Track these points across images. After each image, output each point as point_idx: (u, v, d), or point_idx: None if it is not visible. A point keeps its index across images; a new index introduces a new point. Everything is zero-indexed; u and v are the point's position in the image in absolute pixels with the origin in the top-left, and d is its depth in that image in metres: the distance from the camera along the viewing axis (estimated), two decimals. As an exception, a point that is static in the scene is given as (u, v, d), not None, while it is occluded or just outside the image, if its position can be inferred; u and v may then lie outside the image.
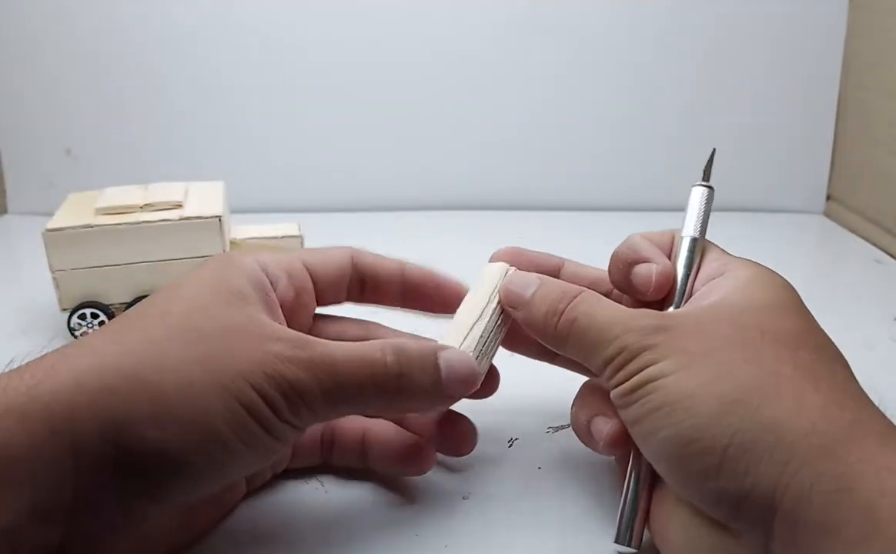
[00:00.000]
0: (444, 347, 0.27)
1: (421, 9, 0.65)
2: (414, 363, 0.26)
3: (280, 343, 0.24)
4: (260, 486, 0.30)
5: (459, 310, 0.30)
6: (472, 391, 0.28)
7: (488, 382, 0.30)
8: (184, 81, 0.66)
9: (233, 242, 0.46)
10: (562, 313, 0.27)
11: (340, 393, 0.25)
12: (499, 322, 0.30)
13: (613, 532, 0.26)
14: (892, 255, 0.58)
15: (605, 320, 0.26)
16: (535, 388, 0.35)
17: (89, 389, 0.22)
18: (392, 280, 0.32)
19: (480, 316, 0.29)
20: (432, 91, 0.67)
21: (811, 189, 0.69)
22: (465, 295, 0.31)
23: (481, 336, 0.29)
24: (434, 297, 0.32)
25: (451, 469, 0.31)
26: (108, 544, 0.23)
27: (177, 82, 0.66)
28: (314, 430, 0.30)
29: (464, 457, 0.31)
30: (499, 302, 0.30)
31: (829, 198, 0.69)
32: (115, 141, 0.66)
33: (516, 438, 0.33)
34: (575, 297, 0.27)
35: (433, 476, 0.31)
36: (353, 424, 0.30)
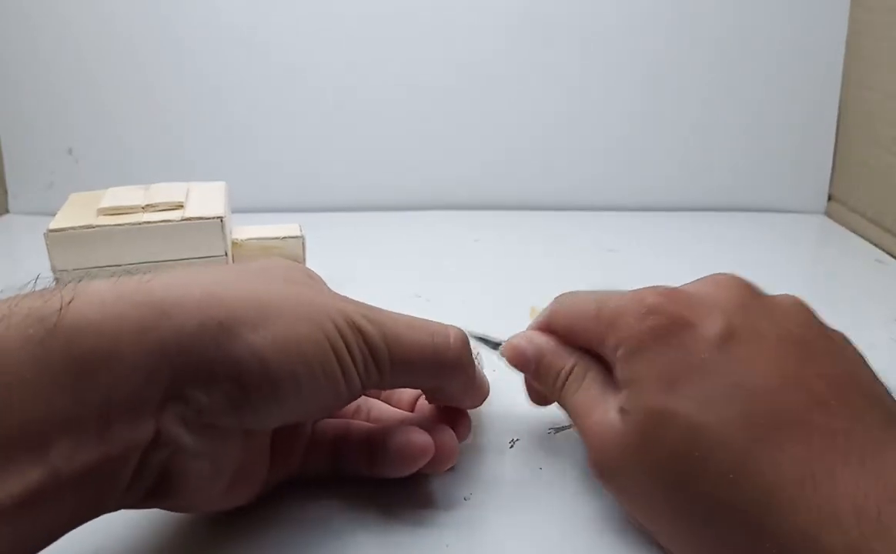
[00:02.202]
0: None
1: (423, 8, 0.65)
2: (468, 352, 0.28)
3: (353, 303, 0.27)
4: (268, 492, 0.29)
5: None
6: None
7: (465, 424, 0.31)
8: (185, 82, 0.66)
9: (234, 243, 0.46)
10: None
11: (405, 361, 0.26)
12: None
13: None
14: (893, 256, 0.58)
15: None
16: (535, 388, 0.35)
17: (199, 290, 0.23)
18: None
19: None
20: (433, 91, 0.67)
21: (812, 189, 0.69)
22: None
23: None
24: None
25: (451, 469, 0.31)
26: (186, 459, 0.22)
27: (178, 83, 0.66)
28: (324, 433, 0.30)
29: (463, 457, 0.32)
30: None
31: (830, 198, 0.69)
32: (117, 141, 0.66)
33: (517, 439, 0.33)
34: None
35: (433, 476, 0.31)
36: (360, 427, 0.30)
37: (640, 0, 0.65)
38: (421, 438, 0.28)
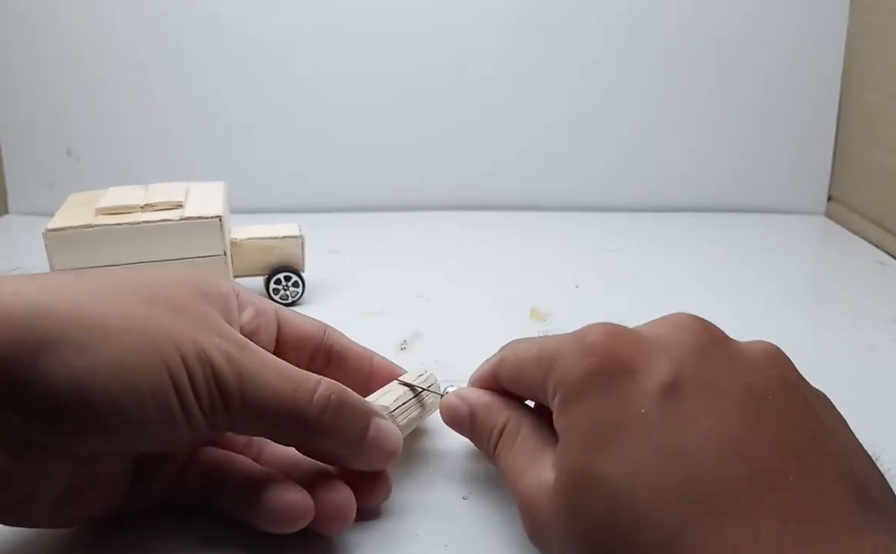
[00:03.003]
0: (379, 415, 0.27)
1: (423, 9, 0.65)
2: (343, 415, 0.25)
3: (222, 339, 0.24)
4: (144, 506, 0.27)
5: (387, 387, 0.31)
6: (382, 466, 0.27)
7: (379, 486, 0.28)
8: (185, 82, 0.66)
9: (233, 243, 0.46)
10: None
11: (258, 409, 0.24)
12: (412, 415, 0.30)
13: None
14: (893, 257, 0.58)
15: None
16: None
17: (24, 303, 0.21)
18: (360, 366, 0.32)
19: (406, 403, 0.30)
20: (433, 91, 0.67)
21: (812, 190, 0.69)
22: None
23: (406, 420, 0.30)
24: None
25: (451, 469, 0.31)
26: None
27: (178, 82, 0.66)
28: (201, 461, 0.28)
29: (463, 457, 0.32)
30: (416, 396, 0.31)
31: (830, 199, 0.69)
32: (116, 141, 0.66)
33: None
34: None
35: (433, 476, 0.31)
36: (243, 464, 0.28)
37: (640, 1, 0.65)
38: (297, 497, 0.25)
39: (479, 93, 0.67)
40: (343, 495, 0.26)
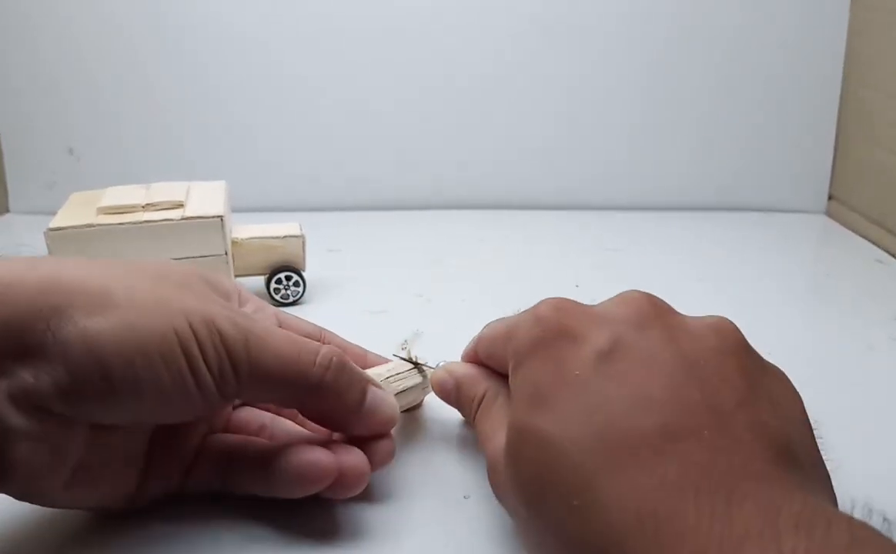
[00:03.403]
0: (377, 384, 0.29)
1: (423, 9, 0.65)
2: (343, 377, 0.27)
3: (227, 309, 0.26)
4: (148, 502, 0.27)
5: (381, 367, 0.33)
6: (381, 432, 0.28)
7: (354, 476, 0.27)
8: (185, 82, 0.66)
9: (234, 242, 0.46)
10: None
11: (265, 371, 0.25)
12: (408, 384, 0.32)
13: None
14: (893, 256, 0.58)
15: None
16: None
17: (38, 274, 0.23)
18: (356, 362, 0.33)
19: (399, 373, 0.32)
20: (433, 91, 0.67)
21: (813, 189, 0.69)
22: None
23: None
24: None
25: (451, 469, 0.31)
26: (15, 440, 0.22)
27: (178, 82, 0.66)
28: (215, 447, 0.28)
29: (463, 456, 0.32)
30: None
31: (830, 198, 0.69)
32: (117, 141, 0.66)
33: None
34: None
35: (433, 476, 0.31)
36: (257, 444, 0.29)
37: (641, 1, 0.65)
38: (323, 457, 0.26)
39: (480, 93, 0.67)
40: (357, 458, 0.27)
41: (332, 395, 0.27)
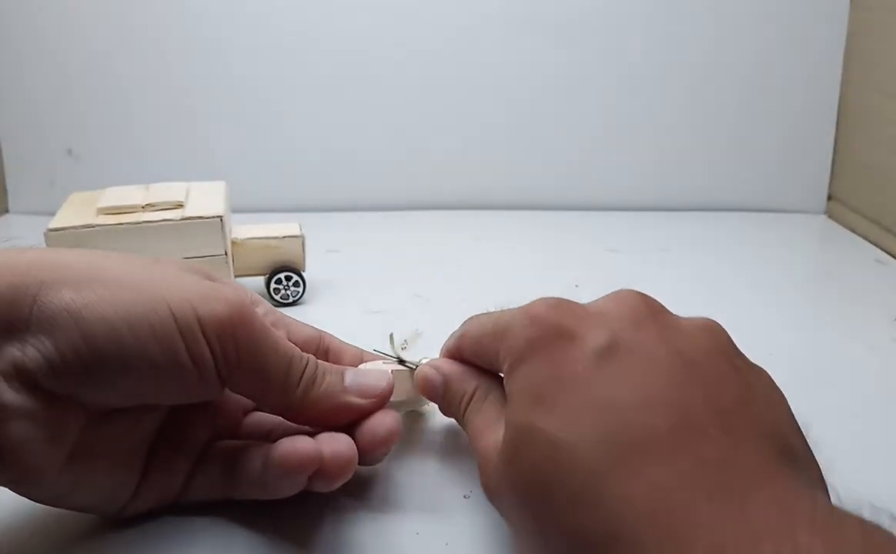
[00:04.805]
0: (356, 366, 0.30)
1: (423, 9, 0.65)
2: (326, 367, 0.28)
3: (228, 288, 0.26)
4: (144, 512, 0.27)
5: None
6: (378, 402, 0.28)
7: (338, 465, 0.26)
8: (185, 81, 0.66)
9: (234, 242, 0.46)
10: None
11: (263, 355, 0.25)
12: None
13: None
14: (893, 256, 0.58)
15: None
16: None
17: (29, 256, 0.23)
18: (353, 363, 0.33)
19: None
20: (433, 91, 0.67)
21: (812, 189, 0.69)
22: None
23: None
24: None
25: (451, 468, 0.31)
26: (11, 418, 0.22)
27: (178, 82, 0.66)
28: (217, 453, 0.28)
29: (463, 456, 0.32)
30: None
31: (830, 198, 0.69)
32: (117, 141, 0.66)
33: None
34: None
35: (433, 476, 0.31)
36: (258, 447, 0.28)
37: (641, 1, 0.65)
38: (303, 445, 0.25)
39: (480, 93, 0.67)
40: (342, 442, 0.26)
41: (313, 407, 0.27)
